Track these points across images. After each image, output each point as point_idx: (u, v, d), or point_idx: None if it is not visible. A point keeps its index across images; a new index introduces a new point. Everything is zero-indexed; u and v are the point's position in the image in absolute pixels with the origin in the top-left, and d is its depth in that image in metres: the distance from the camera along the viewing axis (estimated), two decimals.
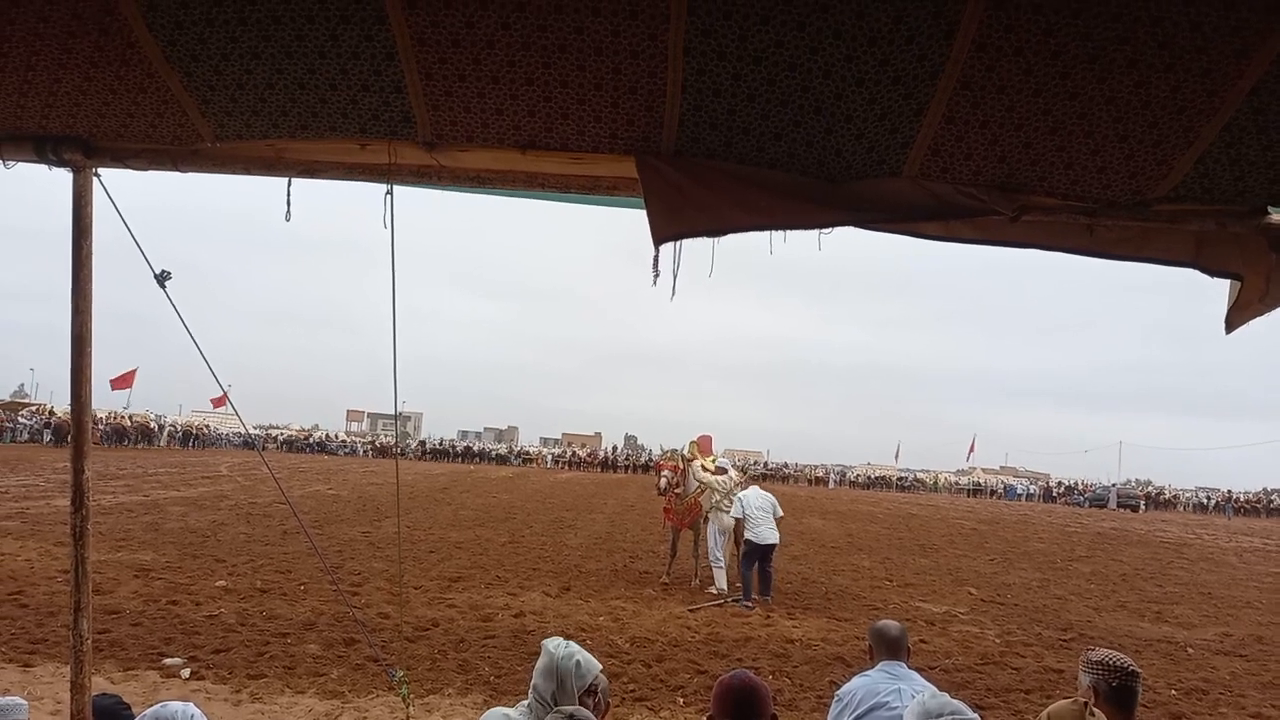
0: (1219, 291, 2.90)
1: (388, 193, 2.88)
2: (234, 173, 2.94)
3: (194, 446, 50.61)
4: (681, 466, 11.99)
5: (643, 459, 59.58)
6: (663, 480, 11.99)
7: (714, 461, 12.61)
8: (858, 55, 2.16)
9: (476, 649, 7.50)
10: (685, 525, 11.94)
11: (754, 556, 10.85)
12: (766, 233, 2.63)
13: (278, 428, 70.70)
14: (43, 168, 2.95)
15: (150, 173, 2.99)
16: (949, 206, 2.50)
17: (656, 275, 2.61)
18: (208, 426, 55.56)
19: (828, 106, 2.32)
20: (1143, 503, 54.79)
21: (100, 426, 43.71)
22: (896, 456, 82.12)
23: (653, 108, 2.39)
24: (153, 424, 50.70)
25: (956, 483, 69.63)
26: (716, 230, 2.54)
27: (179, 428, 53.33)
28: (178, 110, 2.61)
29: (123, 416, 49.37)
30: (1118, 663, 3.02)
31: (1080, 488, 62.00)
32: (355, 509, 19.16)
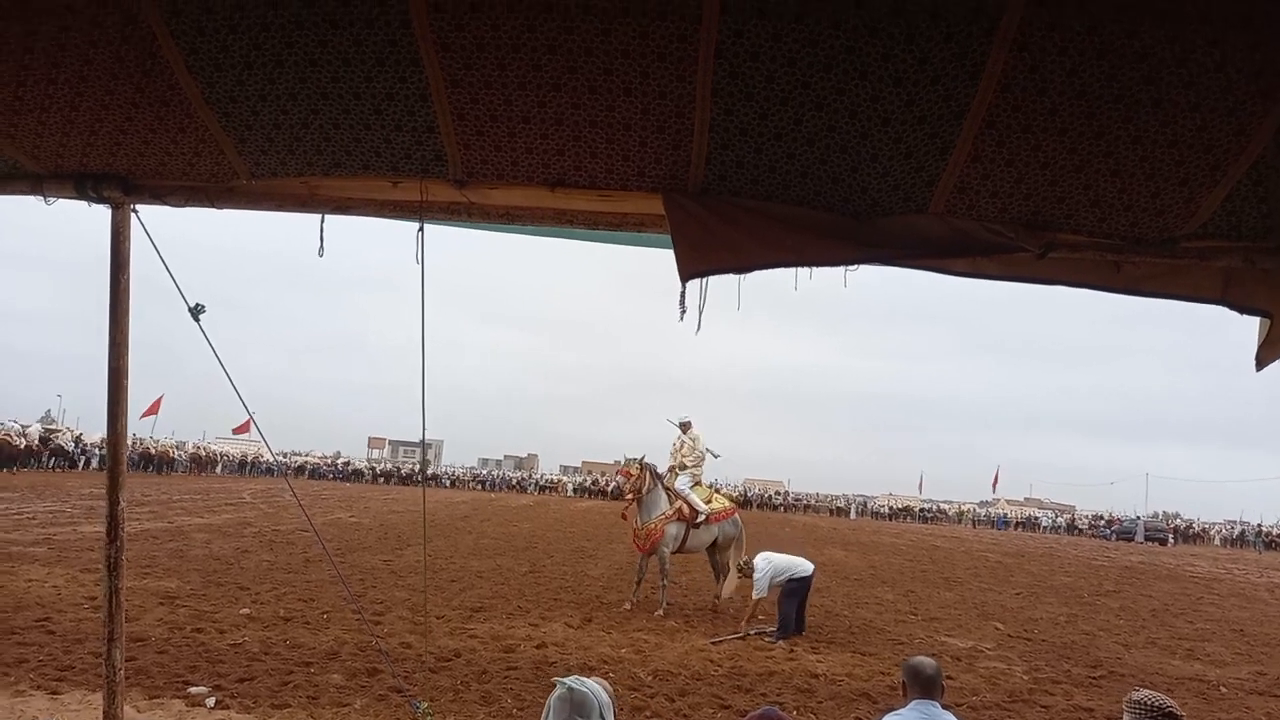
0: (1248, 321, 2.89)
1: (419, 230, 2.93)
2: (268, 209, 3.00)
3: (249, 473, 54.67)
4: (635, 472, 11.86)
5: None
6: (613, 484, 11.80)
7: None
8: (883, 96, 2.18)
9: (499, 680, 7.46)
10: (646, 550, 11.82)
11: (800, 593, 10.42)
12: (792, 269, 2.65)
13: (300, 454, 71.27)
14: (76, 203, 3.03)
15: (183, 209, 3.05)
16: (975, 243, 2.51)
17: (683, 311, 2.63)
18: (260, 455, 57.01)
19: (853, 146, 2.34)
20: (1171, 536, 53.71)
21: (183, 459, 49.49)
22: (920, 487, 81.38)
23: (680, 147, 2.43)
24: (217, 454, 55.92)
25: (980, 514, 68.56)
26: (743, 267, 2.56)
27: (232, 456, 57.11)
28: (215, 149, 2.68)
29: (200, 446, 54.70)
30: (1157, 703, 3.00)
31: (1107, 520, 60.98)
32: (377, 537, 19.18)
